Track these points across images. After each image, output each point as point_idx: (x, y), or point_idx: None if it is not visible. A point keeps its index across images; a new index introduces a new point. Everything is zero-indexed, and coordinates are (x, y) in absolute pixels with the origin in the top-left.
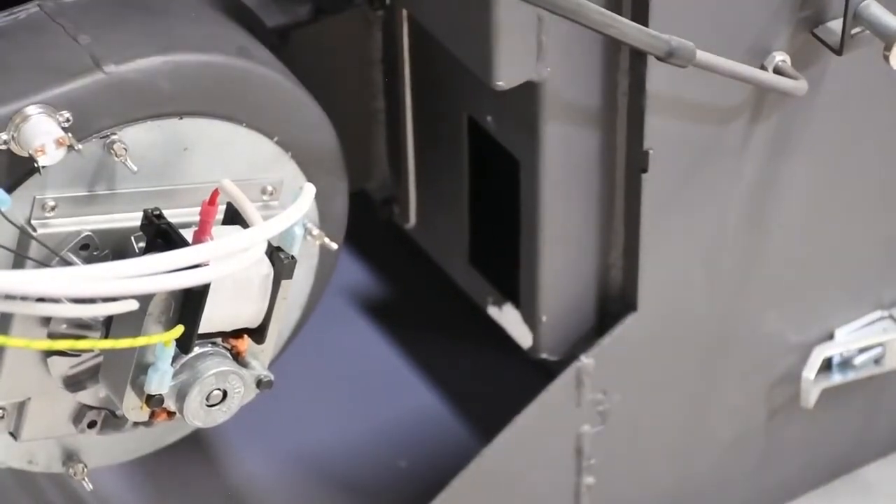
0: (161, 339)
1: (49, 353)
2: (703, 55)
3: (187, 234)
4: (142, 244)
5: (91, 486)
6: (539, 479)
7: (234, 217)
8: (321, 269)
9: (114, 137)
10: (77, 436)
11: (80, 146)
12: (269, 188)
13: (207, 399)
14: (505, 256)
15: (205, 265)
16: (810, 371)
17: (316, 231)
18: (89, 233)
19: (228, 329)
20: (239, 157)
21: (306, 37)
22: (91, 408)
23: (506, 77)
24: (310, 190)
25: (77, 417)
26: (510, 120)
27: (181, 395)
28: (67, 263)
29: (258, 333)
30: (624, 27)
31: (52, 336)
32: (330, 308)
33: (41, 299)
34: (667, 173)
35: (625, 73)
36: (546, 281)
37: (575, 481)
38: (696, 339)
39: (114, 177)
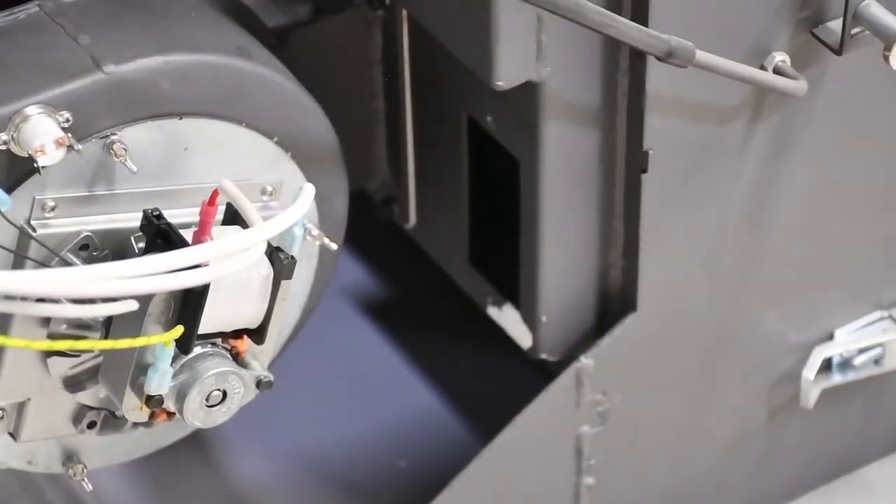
0: (161, 340)
1: (49, 354)
2: (702, 55)
3: (187, 235)
4: (141, 244)
5: (91, 487)
6: (539, 479)
7: (233, 217)
8: (321, 270)
9: (113, 138)
10: (77, 436)
11: (79, 146)
12: (269, 188)
13: (207, 399)
14: (505, 256)
15: (204, 265)
16: (810, 371)
17: (316, 231)
18: (89, 233)
19: (228, 329)
20: (239, 157)
21: (306, 37)
22: (91, 408)
23: (506, 77)
24: (310, 190)
25: (77, 418)
26: (510, 120)
27: (181, 395)
28: (67, 264)
29: (258, 334)
30: (623, 27)
31: (51, 336)
32: (330, 308)
33: (41, 299)
34: (666, 173)
35: (624, 73)
36: (546, 281)
37: (575, 481)
38: (696, 339)
39: (113, 177)
